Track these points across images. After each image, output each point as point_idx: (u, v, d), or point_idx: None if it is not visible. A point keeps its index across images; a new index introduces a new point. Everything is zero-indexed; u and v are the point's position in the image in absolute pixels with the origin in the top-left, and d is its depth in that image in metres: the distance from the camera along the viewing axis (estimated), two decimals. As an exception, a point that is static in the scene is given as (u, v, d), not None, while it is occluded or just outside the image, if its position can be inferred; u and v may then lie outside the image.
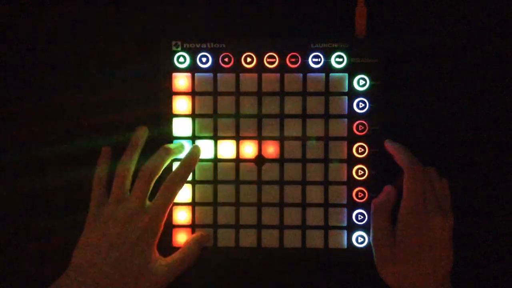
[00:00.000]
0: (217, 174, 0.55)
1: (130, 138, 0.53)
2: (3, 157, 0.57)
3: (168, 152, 0.52)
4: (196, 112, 0.55)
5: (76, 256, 0.49)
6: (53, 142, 0.56)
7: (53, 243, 0.56)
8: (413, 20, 0.56)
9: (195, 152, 0.53)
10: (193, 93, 0.55)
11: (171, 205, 0.51)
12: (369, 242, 0.54)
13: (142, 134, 0.54)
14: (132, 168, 0.52)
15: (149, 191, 0.51)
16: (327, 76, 0.54)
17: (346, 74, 0.54)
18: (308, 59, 0.54)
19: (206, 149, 0.54)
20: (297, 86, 0.54)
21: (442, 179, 0.53)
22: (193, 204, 0.55)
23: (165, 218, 0.51)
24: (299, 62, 0.54)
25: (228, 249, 0.55)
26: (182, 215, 0.55)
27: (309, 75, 0.54)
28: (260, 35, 0.56)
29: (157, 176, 0.51)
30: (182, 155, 0.54)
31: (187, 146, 0.54)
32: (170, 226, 0.55)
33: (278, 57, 0.54)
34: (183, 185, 0.52)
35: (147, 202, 0.51)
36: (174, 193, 0.51)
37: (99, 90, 0.56)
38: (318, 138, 0.54)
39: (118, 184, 0.51)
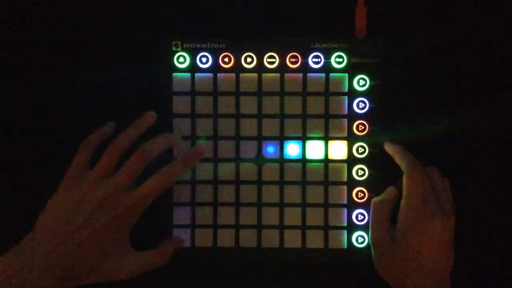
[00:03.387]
0: (217, 174, 0.55)
1: (137, 118, 0.51)
2: (3, 157, 0.57)
3: (168, 139, 0.51)
4: (196, 112, 0.55)
5: (41, 222, 0.46)
6: (52, 141, 0.56)
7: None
8: (413, 20, 0.56)
9: (198, 150, 0.52)
10: (193, 93, 0.55)
11: (158, 195, 0.48)
12: (369, 242, 0.54)
13: (149, 119, 0.51)
14: (127, 147, 0.49)
15: (138, 174, 0.48)
16: (327, 76, 0.54)
17: (346, 74, 0.54)
18: (308, 59, 0.54)
19: (206, 149, 0.54)
20: (297, 86, 0.54)
21: (444, 179, 0.53)
22: (193, 204, 0.55)
23: (145, 208, 0.48)
24: (299, 62, 0.54)
25: (228, 249, 0.55)
26: (182, 215, 0.55)
27: (309, 75, 0.54)
28: (260, 35, 0.56)
29: (149, 161, 0.48)
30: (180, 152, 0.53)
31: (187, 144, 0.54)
32: (170, 226, 0.55)
33: (278, 57, 0.54)
34: (176, 180, 0.49)
35: (132, 185, 0.48)
36: (164, 185, 0.48)
37: (99, 90, 0.56)
38: (318, 138, 0.54)
39: (108, 157, 0.48)
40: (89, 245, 0.45)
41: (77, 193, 0.47)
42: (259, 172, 0.55)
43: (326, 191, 0.54)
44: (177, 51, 0.54)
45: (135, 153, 0.48)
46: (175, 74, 0.54)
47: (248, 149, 0.55)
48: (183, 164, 0.50)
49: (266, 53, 0.54)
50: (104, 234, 0.46)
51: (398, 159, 0.53)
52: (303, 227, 0.55)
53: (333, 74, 0.54)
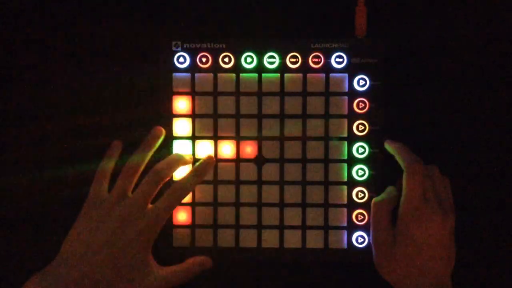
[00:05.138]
0: (217, 174, 0.55)
1: (145, 136, 0.53)
2: (4, 157, 0.57)
3: (181, 159, 0.52)
4: (196, 112, 0.55)
5: (66, 247, 0.47)
6: (52, 141, 0.56)
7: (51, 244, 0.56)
8: (413, 20, 0.56)
9: (208, 163, 0.53)
10: (193, 93, 0.55)
11: (173, 211, 0.50)
12: (369, 242, 0.54)
13: (158, 135, 0.53)
14: (142, 167, 0.51)
15: (154, 193, 0.50)
16: (327, 76, 0.54)
17: (346, 74, 0.54)
18: (308, 59, 0.54)
19: (206, 149, 0.54)
20: (297, 86, 0.54)
21: (444, 178, 0.53)
22: (193, 204, 0.55)
23: (163, 223, 0.49)
24: (299, 62, 0.54)
25: (228, 249, 0.55)
26: (182, 215, 0.55)
27: (309, 75, 0.54)
28: (260, 35, 0.56)
29: (165, 181, 0.50)
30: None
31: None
32: (170, 226, 0.55)
33: (278, 57, 0.54)
34: (188, 193, 0.51)
35: (149, 205, 0.49)
36: (178, 200, 0.50)
37: (99, 90, 0.56)
38: (318, 138, 0.54)
39: (124, 180, 0.50)
40: (112, 264, 0.46)
41: (97, 215, 0.48)
42: (259, 172, 0.55)
43: (326, 191, 0.54)
44: (177, 51, 0.54)
45: (151, 173, 0.50)
46: (175, 74, 0.54)
47: (248, 149, 0.55)
48: (195, 177, 0.51)
49: (266, 53, 0.54)
50: (126, 252, 0.47)
51: (399, 157, 0.53)
52: (303, 227, 0.55)
53: (333, 74, 0.54)
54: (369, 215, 0.54)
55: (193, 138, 0.55)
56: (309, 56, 0.54)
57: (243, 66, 0.54)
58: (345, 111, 0.54)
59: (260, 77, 0.54)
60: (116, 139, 0.54)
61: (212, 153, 0.54)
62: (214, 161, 0.54)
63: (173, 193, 0.50)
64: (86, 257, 0.46)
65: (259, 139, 0.55)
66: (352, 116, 0.54)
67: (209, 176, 0.55)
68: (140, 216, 0.48)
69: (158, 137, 0.53)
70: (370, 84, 0.54)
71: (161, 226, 0.49)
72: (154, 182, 0.49)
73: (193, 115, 0.55)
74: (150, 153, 0.52)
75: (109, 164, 0.52)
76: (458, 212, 0.51)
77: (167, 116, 0.55)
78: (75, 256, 0.46)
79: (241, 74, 0.54)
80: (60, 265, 0.46)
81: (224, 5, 0.57)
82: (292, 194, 0.55)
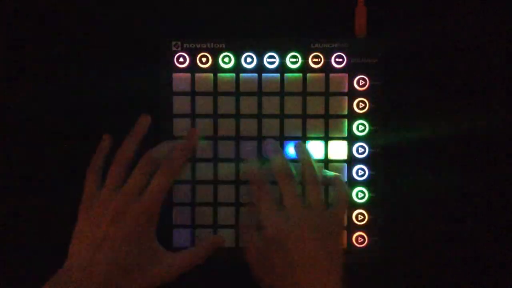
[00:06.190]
0: (217, 174, 0.55)
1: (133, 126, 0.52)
2: (3, 157, 0.57)
3: (173, 146, 0.51)
4: (196, 112, 0.55)
5: (71, 250, 0.47)
6: (52, 141, 0.56)
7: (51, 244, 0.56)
8: (413, 20, 0.56)
9: (192, 136, 0.51)
10: (193, 93, 0.55)
11: (167, 191, 0.48)
12: (369, 242, 0.54)
13: (144, 123, 0.52)
14: (132, 156, 0.49)
15: (146, 181, 0.48)
16: (327, 76, 0.54)
17: (346, 74, 0.54)
18: (308, 59, 0.54)
19: (206, 149, 0.54)
20: (297, 86, 0.54)
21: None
22: (193, 204, 0.55)
23: (160, 204, 0.48)
24: (300, 62, 0.54)
25: (228, 249, 0.55)
26: (182, 215, 0.55)
27: (309, 75, 0.54)
28: (260, 35, 0.56)
29: (155, 167, 0.49)
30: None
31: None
32: (170, 226, 0.55)
33: (278, 57, 0.54)
34: (179, 170, 0.49)
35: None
36: (170, 178, 0.48)
37: (99, 90, 0.56)
38: (318, 138, 0.54)
39: (115, 172, 0.49)
40: (116, 259, 0.46)
41: (94, 213, 0.48)
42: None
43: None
44: (177, 51, 0.54)
45: (142, 161, 0.48)
46: (175, 74, 0.54)
47: (248, 149, 0.55)
48: (182, 153, 0.50)
49: (266, 53, 0.54)
50: (127, 243, 0.46)
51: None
52: (303, 227, 0.55)
53: (333, 74, 0.54)
54: (369, 215, 0.54)
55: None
56: (309, 56, 0.54)
57: (243, 66, 0.54)
58: (345, 111, 0.54)
59: (260, 77, 0.54)
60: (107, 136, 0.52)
61: (212, 153, 0.54)
62: (198, 133, 0.51)
63: (163, 174, 0.48)
64: (89, 257, 0.46)
65: (259, 139, 0.55)
66: (352, 116, 0.54)
67: (209, 176, 0.55)
68: (133, 206, 0.47)
69: (145, 125, 0.51)
70: (370, 84, 0.54)
71: (158, 209, 0.48)
72: (146, 171, 0.48)
73: (193, 115, 0.55)
74: (138, 142, 0.50)
75: (99, 159, 0.50)
76: (457, 211, 0.51)
77: (167, 116, 0.55)
78: (81, 257, 0.46)
79: (241, 74, 0.54)
80: (67, 270, 0.46)
81: (224, 5, 0.57)
82: (292, 194, 0.54)
